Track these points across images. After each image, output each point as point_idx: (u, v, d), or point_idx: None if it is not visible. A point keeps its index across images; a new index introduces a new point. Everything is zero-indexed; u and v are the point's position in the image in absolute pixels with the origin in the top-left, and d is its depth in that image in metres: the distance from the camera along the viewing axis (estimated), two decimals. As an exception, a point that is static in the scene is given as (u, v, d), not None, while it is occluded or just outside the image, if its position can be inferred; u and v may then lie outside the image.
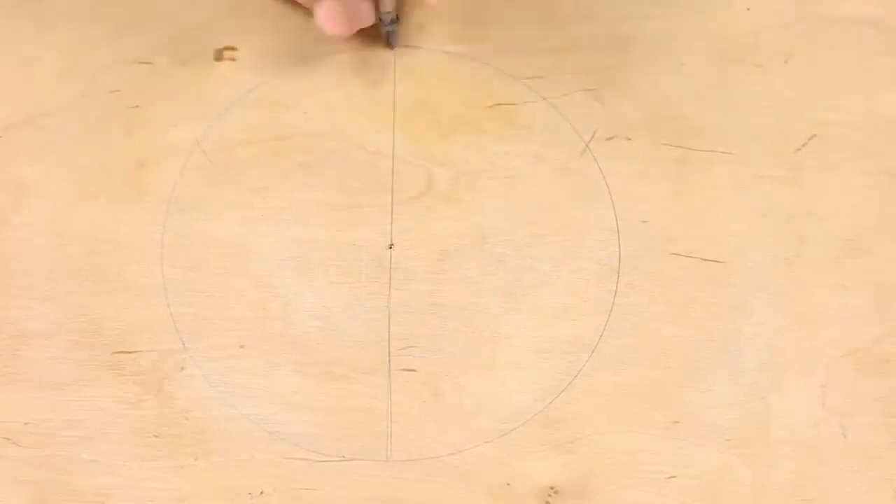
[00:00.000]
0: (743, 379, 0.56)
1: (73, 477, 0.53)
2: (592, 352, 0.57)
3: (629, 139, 0.63)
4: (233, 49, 0.63)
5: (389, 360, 0.57)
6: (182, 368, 0.57)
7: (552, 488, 0.53)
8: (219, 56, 0.64)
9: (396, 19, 0.61)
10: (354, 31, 0.59)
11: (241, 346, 0.57)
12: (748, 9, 0.67)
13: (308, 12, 0.60)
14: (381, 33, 0.62)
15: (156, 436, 0.54)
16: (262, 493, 0.53)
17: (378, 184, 0.60)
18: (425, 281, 0.58)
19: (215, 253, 0.59)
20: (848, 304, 0.58)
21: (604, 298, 0.59)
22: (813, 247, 0.60)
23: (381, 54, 0.62)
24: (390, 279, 0.58)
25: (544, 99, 0.64)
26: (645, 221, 0.61)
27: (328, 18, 0.56)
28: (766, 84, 0.65)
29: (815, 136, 0.63)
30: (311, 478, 0.53)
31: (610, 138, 0.63)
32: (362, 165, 0.60)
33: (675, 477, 0.54)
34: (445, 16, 0.65)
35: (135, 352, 0.57)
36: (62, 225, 0.60)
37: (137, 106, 0.63)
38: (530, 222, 0.61)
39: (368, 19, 0.59)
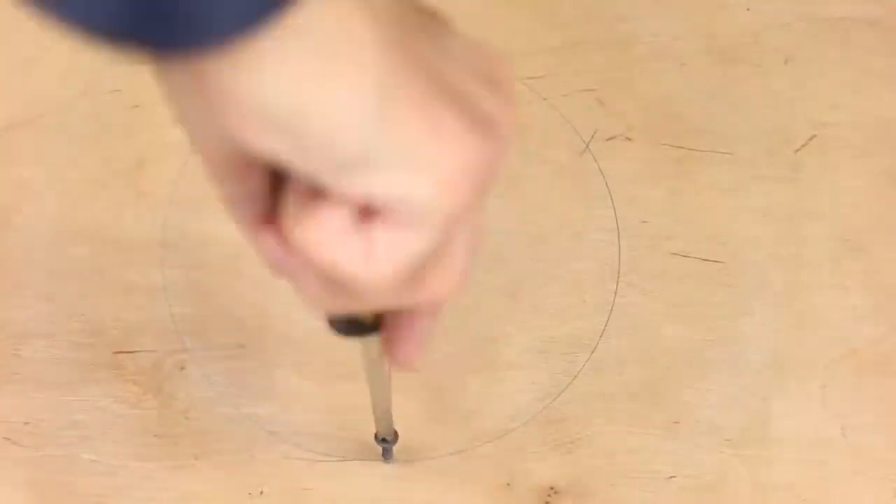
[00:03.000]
0: (743, 379, 0.56)
1: (73, 477, 0.53)
2: (592, 352, 0.57)
3: (629, 139, 0.63)
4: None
5: (389, 361, 0.57)
6: (182, 368, 0.57)
7: (552, 488, 0.53)
8: (219, 56, 0.64)
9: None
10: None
11: (242, 346, 0.57)
12: (748, 9, 0.67)
13: None
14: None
15: (156, 436, 0.54)
16: (262, 493, 0.53)
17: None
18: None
19: (216, 253, 0.59)
20: (848, 304, 0.58)
21: (604, 298, 0.59)
22: (813, 247, 0.60)
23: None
24: (390, 279, 0.58)
25: (544, 99, 0.64)
26: (645, 221, 0.61)
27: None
28: (766, 84, 0.65)
29: (814, 136, 0.63)
30: (311, 478, 0.53)
31: (610, 138, 0.63)
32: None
33: (674, 477, 0.54)
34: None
35: (135, 352, 0.57)
36: (62, 225, 0.60)
37: (137, 106, 0.63)
38: (530, 222, 0.61)
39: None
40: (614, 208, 0.61)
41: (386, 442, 0.52)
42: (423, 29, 0.31)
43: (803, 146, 0.63)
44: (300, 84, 0.27)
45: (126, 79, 0.64)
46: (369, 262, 0.30)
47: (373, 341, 0.41)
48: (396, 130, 0.29)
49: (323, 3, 0.26)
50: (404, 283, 0.32)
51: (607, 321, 0.58)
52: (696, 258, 0.60)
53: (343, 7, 0.27)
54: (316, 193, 0.30)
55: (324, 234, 0.30)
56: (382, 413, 0.50)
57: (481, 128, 0.31)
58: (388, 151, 0.29)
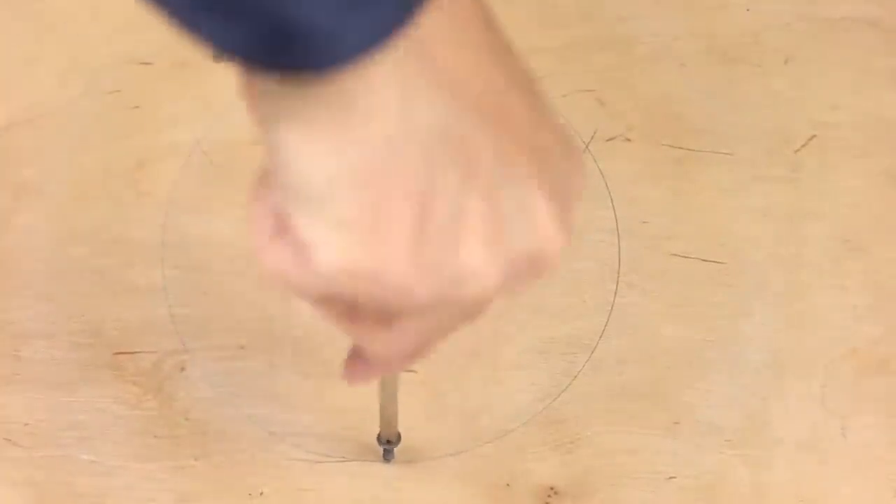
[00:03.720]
0: (743, 379, 0.56)
1: (73, 477, 0.53)
2: (592, 352, 0.57)
3: (629, 139, 0.63)
4: (233, 49, 0.63)
5: (389, 361, 0.57)
6: (182, 369, 0.57)
7: (552, 488, 0.53)
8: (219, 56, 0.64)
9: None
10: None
11: (242, 347, 0.57)
12: (748, 9, 0.67)
13: None
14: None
15: (156, 436, 0.54)
16: (262, 493, 0.53)
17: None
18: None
19: (215, 253, 0.59)
20: (848, 304, 0.58)
21: (604, 298, 0.59)
22: (813, 247, 0.60)
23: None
24: (390, 279, 0.58)
25: (544, 99, 0.64)
26: (645, 221, 0.61)
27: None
28: (766, 84, 0.65)
29: (814, 136, 0.63)
30: (311, 478, 0.53)
31: (610, 138, 0.63)
32: (362, 165, 0.60)
33: (674, 477, 0.54)
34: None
35: (135, 352, 0.57)
36: (62, 225, 0.60)
37: (137, 106, 0.63)
38: (530, 222, 0.60)
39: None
40: (614, 208, 0.61)
41: (389, 443, 0.52)
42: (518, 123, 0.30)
43: (803, 146, 0.63)
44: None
45: (126, 79, 0.64)
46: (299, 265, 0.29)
47: None
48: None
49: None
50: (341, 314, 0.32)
51: (607, 321, 0.58)
52: (696, 258, 0.60)
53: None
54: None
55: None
56: (388, 416, 0.50)
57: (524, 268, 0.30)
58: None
